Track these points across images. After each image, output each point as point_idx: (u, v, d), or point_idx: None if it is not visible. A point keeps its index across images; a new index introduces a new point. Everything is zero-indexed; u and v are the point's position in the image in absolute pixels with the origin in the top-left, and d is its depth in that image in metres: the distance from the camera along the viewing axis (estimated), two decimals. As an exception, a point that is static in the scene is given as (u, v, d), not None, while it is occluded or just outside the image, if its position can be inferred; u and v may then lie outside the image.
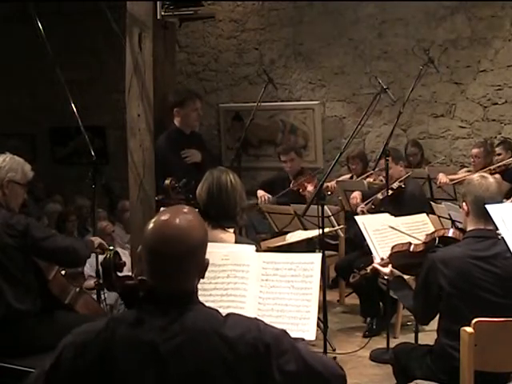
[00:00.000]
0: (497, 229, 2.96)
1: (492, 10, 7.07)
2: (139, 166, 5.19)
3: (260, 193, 6.17)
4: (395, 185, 5.31)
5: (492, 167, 6.22)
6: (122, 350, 1.70)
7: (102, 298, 4.17)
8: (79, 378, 1.72)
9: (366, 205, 5.53)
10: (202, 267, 1.83)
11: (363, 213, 5.39)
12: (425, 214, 4.33)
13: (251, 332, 1.74)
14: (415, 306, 3.15)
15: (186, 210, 1.84)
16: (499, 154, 6.46)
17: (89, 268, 5.14)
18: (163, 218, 1.79)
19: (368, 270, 3.50)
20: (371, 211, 5.35)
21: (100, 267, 2.14)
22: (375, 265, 3.43)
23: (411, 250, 3.37)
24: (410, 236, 3.68)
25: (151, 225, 1.79)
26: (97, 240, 3.87)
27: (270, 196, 6.14)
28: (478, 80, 7.23)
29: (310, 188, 5.93)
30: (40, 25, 4.44)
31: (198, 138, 5.47)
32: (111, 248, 3.89)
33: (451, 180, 6.23)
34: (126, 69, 5.23)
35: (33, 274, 3.53)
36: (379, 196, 5.38)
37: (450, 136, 7.45)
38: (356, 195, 5.82)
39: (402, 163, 5.51)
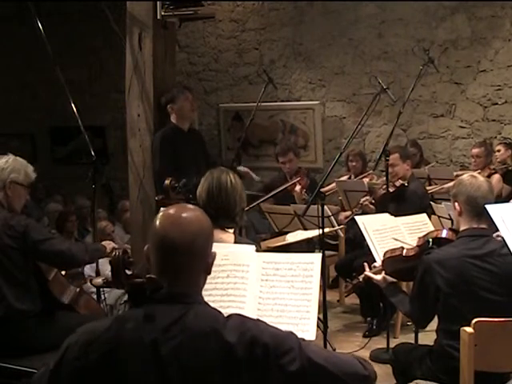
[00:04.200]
0: (495, 229, 2.97)
1: (492, 10, 7.07)
2: (139, 166, 5.18)
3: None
4: (398, 182, 5.30)
5: (492, 167, 6.23)
6: (125, 350, 1.70)
7: (102, 298, 4.17)
8: (82, 377, 1.72)
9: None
10: (208, 260, 1.84)
11: (365, 206, 5.37)
12: (425, 214, 4.32)
13: (250, 331, 1.72)
14: (412, 310, 3.14)
15: (189, 206, 1.89)
16: (498, 151, 6.46)
17: (89, 268, 5.13)
18: (168, 211, 1.84)
19: (360, 279, 3.48)
20: (372, 206, 5.36)
21: (109, 265, 2.13)
22: (367, 273, 3.41)
23: (404, 254, 3.35)
24: (410, 245, 3.63)
25: (157, 219, 1.82)
26: (110, 245, 3.84)
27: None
28: (478, 80, 7.23)
29: (297, 187, 5.90)
30: (40, 25, 4.44)
31: (197, 136, 5.45)
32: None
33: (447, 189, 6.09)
34: (125, 69, 5.23)
35: (33, 275, 3.52)
36: (381, 190, 5.37)
37: (450, 136, 7.45)
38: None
39: (409, 162, 5.50)
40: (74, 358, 1.73)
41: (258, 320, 1.84)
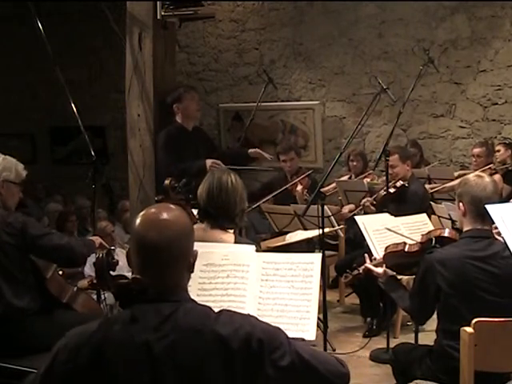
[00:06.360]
0: (493, 228, 2.97)
1: (492, 10, 7.07)
2: (139, 166, 5.19)
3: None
4: (399, 183, 5.30)
5: (492, 167, 6.22)
6: (115, 352, 1.70)
7: (102, 297, 4.16)
8: (73, 380, 1.72)
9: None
10: (189, 259, 1.84)
11: (367, 207, 5.37)
12: (425, 214, 4.32)
13: (244, 328, 1.73)
14: (412, 306, 3.14)
15: (169, 205, 1.89)
16: (498, 151, 6.46)
17: (89, 268, 5.12)
18: (148, 212, 1.84)
19: (360, 271, 3.48)
20: (373, 207, 5.36)
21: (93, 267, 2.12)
22: (368, 265, 3.41)
23: (406, 249, 3.35)
24: (407, 238, 3.65)
25: (137, 220, 1.82)
26: (98, 240, 3.86)
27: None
28: (478, 80, 7.23)
29: (299, 187, 5.90)
30: (40, 25, 4.44)
31: (201, 132, 5.46)
32: (112, 247, 3.88)
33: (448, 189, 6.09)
34: (125, 69, 5.23)
35: (31, 273, 3.53)
36: (381, 192, 5.37)
37: (450, 136, 7.45)
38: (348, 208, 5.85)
39: (409, 163, 5.49)
40: (64, 362, 1.73)
41: (247, 315, 1.85)
